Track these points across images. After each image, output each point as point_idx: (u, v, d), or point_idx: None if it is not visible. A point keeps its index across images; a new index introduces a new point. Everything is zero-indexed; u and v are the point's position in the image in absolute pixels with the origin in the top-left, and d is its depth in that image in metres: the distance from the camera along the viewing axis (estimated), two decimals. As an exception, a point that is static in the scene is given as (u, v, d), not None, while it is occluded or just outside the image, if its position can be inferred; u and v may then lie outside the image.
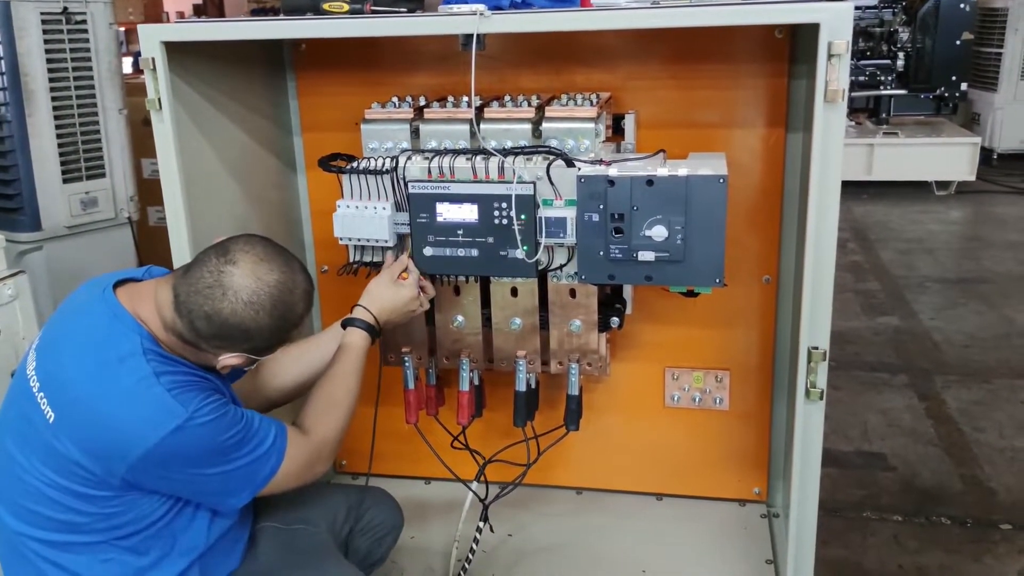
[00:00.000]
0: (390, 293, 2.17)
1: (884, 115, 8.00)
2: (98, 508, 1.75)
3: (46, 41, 3.30)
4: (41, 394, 1.75)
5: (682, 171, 2.03)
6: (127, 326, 1.76)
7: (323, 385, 2.04)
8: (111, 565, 1.81)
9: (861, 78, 7.65)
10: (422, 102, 2.34)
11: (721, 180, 2.02)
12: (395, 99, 2.33)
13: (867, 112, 8.24)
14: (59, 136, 3.39)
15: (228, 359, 1.81)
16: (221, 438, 1.74)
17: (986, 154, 8.54)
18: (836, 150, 1.92)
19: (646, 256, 2.09)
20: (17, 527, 1.80)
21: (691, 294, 2.25)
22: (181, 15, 10.51)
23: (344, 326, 2.14)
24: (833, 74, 1.85)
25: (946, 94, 7.71)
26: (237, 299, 1.73)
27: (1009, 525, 3.27)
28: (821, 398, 2.06)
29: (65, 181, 3.43)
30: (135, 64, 7.19)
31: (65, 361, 1.77)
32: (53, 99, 3.35)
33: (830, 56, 1.84)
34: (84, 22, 3.41)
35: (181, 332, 1.76)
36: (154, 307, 1.79)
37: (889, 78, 7.73)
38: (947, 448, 3.83)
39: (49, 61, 3.32)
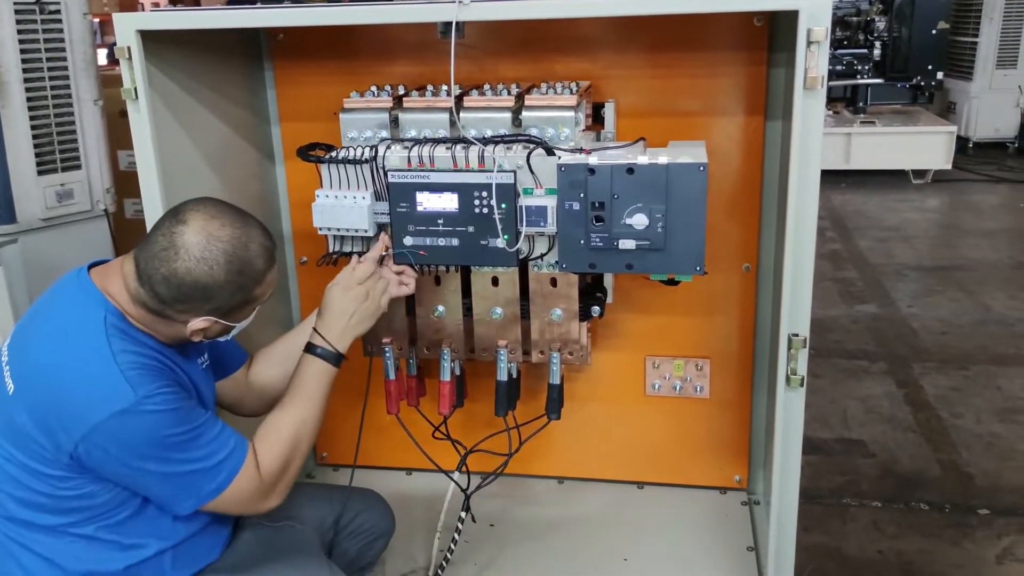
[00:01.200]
0: (348, 306, 2.05)
1: (861, 104, 8.05)
2: (52, 488, 1.75)
3: (19, 31, 3.25)
4: (7, 368, 1.77)
5: (662, 159, 2.03)
6: (93, 301, 1.77)
7: (277, 415, 1.95)
8: (76, 547, 1.80)
9: (838, 67, 7.69)
10: (401, 91, 2.32)
11: (701, 168, 2.02)
12: (374, 88, 2.31)
13: (844, 101, 8.29)
14: (33, 127, 3.34)
15: (196, 323, 1.79)
16: (167, 432, 1.71)
17: (962, 143, 8.62)
18: (816, 137, 1.92)
19: (627, 244, 2.09)
20: None
21: (672, 282, 2.24)
22: (156, 5, 10.42)
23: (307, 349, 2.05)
24: (812, 61, 1.85)
25: (922, 83, 7.78)
26: (190, 256, 1.73)
27: (987, 510, 3.30)
28: (802, 385, 2.06)
29: (40, 173, 3.38)
30: (110, 55, 7.12)
31: (30, 335, 1.79)
32: (27, 90, 3.30)
33: (809, 43, 1.84)
34: (58, 12, 3.36)
35: (146, 301, 1.77)
36: (121, 282, 1.80)
37: (866, 67, 7.77)
38: (925, 434, 3.86)
39: (23, 52, 3.26)
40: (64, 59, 3.41)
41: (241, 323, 1.90)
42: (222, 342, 2.09)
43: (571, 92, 2.21)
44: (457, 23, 1.98)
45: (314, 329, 2.04)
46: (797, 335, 2.04)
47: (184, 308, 1.77)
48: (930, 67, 7.68)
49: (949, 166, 7.96)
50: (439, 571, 2.49)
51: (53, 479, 1.74)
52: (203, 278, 1.74)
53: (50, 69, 3.37)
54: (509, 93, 2.23)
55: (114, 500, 1.79)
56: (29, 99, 3.31)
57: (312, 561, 2.05)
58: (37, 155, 3.36)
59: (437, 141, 2.19)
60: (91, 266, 1.86)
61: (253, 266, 1.80)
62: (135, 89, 2.11)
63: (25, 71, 3.28)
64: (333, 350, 2.02)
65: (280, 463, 1.89)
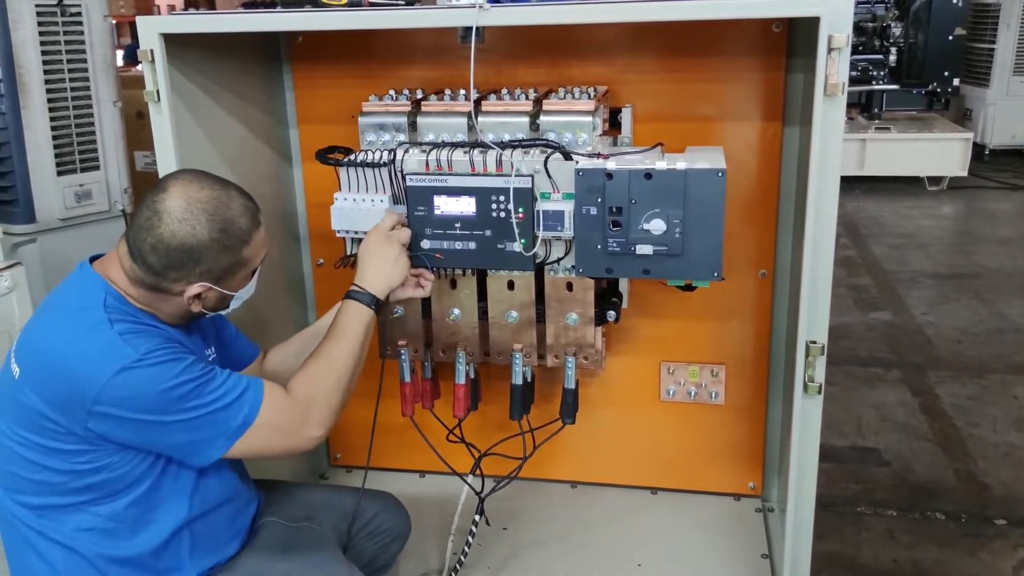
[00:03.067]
0: (368, 249, 2.10)
1: (876, 110, 8.00)
2: (70, 464, 1.76)
3: (41, 33, 3.28)
4: (14, 356, 1.80)
5: (680, 165, 2.03)
6: (94, 285, 1.81)
7: (314, 352, 1.99)
8: (93, 534, 1.81)
9: (853, 73, 7.64)
10: (419, 95, 2.33)
11: (720, 174, 2.02)
12: (392, 92, 2.32)
13: (859, 107, 8.26)
14: (53, 128, 3.37)
15: (191, 290, 1.81)
16: (174, 381, 1.71)
17: (978, 150, 8.58)
18: (835, 144, 1.92)
19: (644, 250, 2.09)
20: (3, 495, 1.83)
21: (688, 288, 2.24)
22: (172, 8, 10.48)
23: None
24: (833, 68, 1.85)
25: (938, 89, 7.73)
26: (171, 219, 1.76)
27: (1004, 520, 3.28)
28: (819, 392, 2.06)
29: (59, 173, 3.42)
30: (125, 56, 7.16)
31: (35, 322, 1.84)
32: (48, 91, 3.33)
33: (830, 50, 1.84)
34: (79, 14, 3.39)
35: (142, 278, 1.80)
36: (119, 265, 1.83)
37: (881, 73, 7.73)
38: (941, 443, 3.84)
39: (44, 53, 3.30)
40: (84, 61, 3.44)
41: (239, 292, 1.91)
42: (229, 335, 2.12)
43: (589, 97, 2.22)
44: (477, 28, 1.99)
45: (355, 283, 2.07)
46: (815, 342, 2.03)
47: (176, 276, 1.79)
48: (946, 73, 7.63)
49: (965, 173, 7.93)
50: (452, 574, 2.49)
51: (70, 454, 1.75)
52: (187, 239, 1.76)
53: (71, 71, 3.40)
54: (527, 97, 2.24)
55: (132, 473, 1.80)
56: (50, 100, 3.35)
57: (331, 560, 2.06)
58: (57, 156, 3.40)
59: (455, 145, 2.20)
60: (93, 259, 1.89)
61: (236, 224, 1.82)
62: (157, 91, 2.12)
63: (46, 72, 3.32)
64: (360, 290, 2.04)
65: (308, 384, 1.90)
